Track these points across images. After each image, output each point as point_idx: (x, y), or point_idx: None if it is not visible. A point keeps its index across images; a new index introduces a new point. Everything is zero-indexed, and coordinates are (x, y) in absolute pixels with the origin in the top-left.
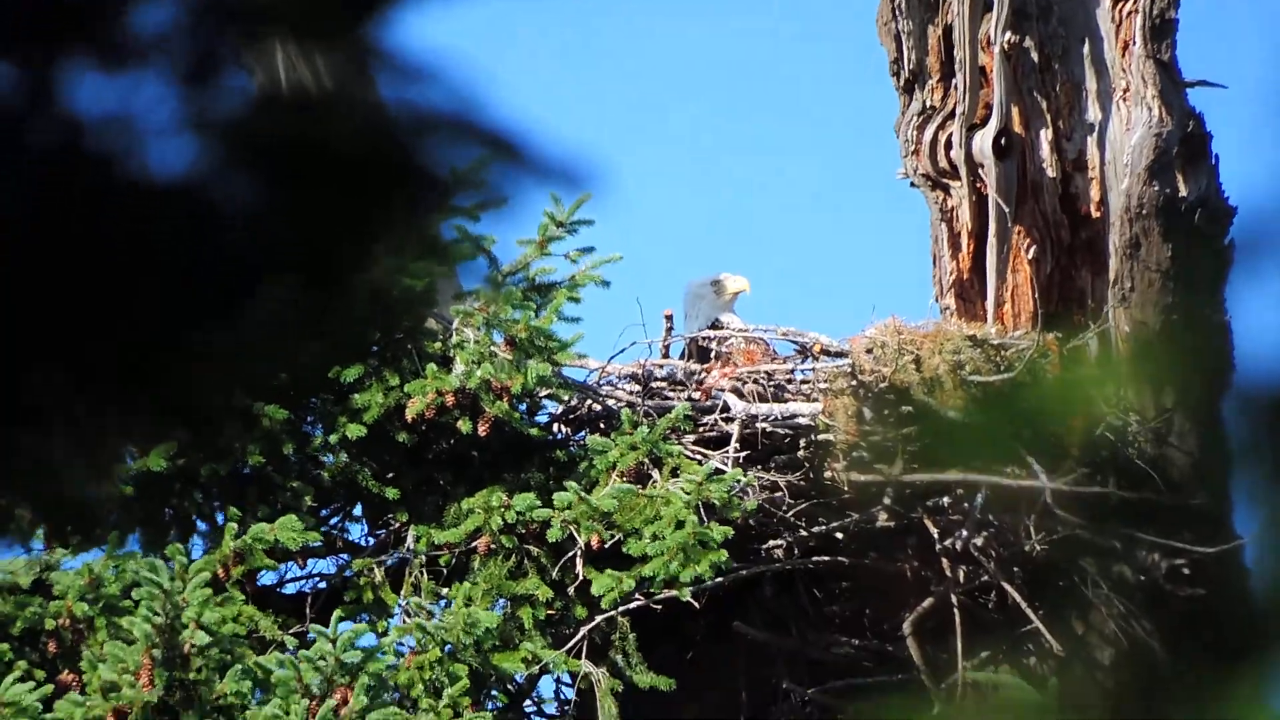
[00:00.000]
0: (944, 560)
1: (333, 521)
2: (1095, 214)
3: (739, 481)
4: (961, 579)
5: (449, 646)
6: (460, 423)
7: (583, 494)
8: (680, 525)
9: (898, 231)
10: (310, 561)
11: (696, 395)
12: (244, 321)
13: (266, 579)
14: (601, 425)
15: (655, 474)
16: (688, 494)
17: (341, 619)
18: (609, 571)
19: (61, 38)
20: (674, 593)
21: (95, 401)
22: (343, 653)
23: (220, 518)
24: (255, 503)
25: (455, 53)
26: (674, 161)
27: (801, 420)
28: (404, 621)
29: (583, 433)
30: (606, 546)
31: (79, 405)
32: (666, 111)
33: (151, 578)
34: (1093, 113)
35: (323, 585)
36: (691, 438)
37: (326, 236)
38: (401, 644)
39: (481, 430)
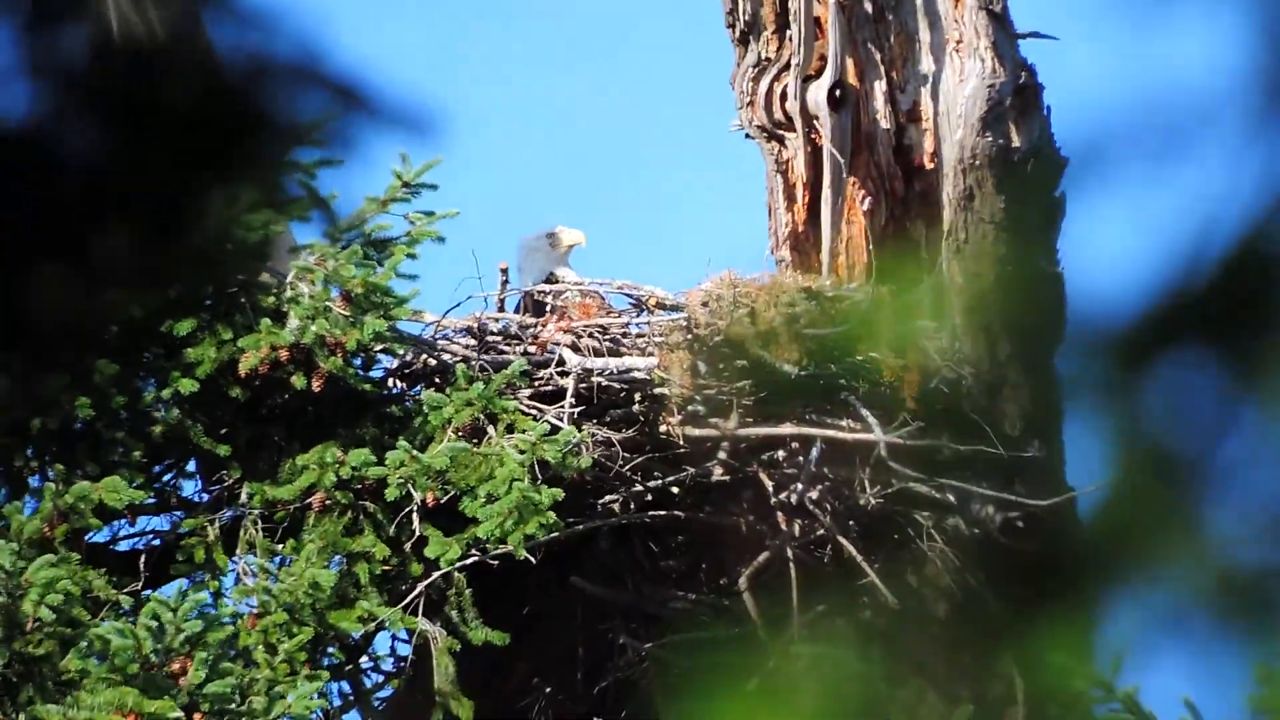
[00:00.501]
0: (779, 514)
1: (166, 478)
2: (929, 165)
3: (573, 439)
4: (797, 533)
5: (287, 605)
6: (294, 378)
7: (415, 452)
8: (512, 486)
9: (733, 184)
10: (142, 519)
11: (532, 349)
12: (80, 269)
13: (98, 536)
14: (437, 380)
15: (491, 430)
16: (522, 453)
17: (178, 577)
18: (439, 538)
19: None
20: (509, 548)
21: None
22: (183, 622)
23: (50, 474)
24: (85, 459)
25: (297, 1)
26: (511, 113)
27: (637, 374)
28: (241, 581)
29: (418, 388)
30: (442, 503)
31: None
32: (504, 63)
33: None
34: (926, 64)
35: (156, 542)
36: (527, 392)
37: (164, 185)
38: (241, 605)
39: (316, 385)
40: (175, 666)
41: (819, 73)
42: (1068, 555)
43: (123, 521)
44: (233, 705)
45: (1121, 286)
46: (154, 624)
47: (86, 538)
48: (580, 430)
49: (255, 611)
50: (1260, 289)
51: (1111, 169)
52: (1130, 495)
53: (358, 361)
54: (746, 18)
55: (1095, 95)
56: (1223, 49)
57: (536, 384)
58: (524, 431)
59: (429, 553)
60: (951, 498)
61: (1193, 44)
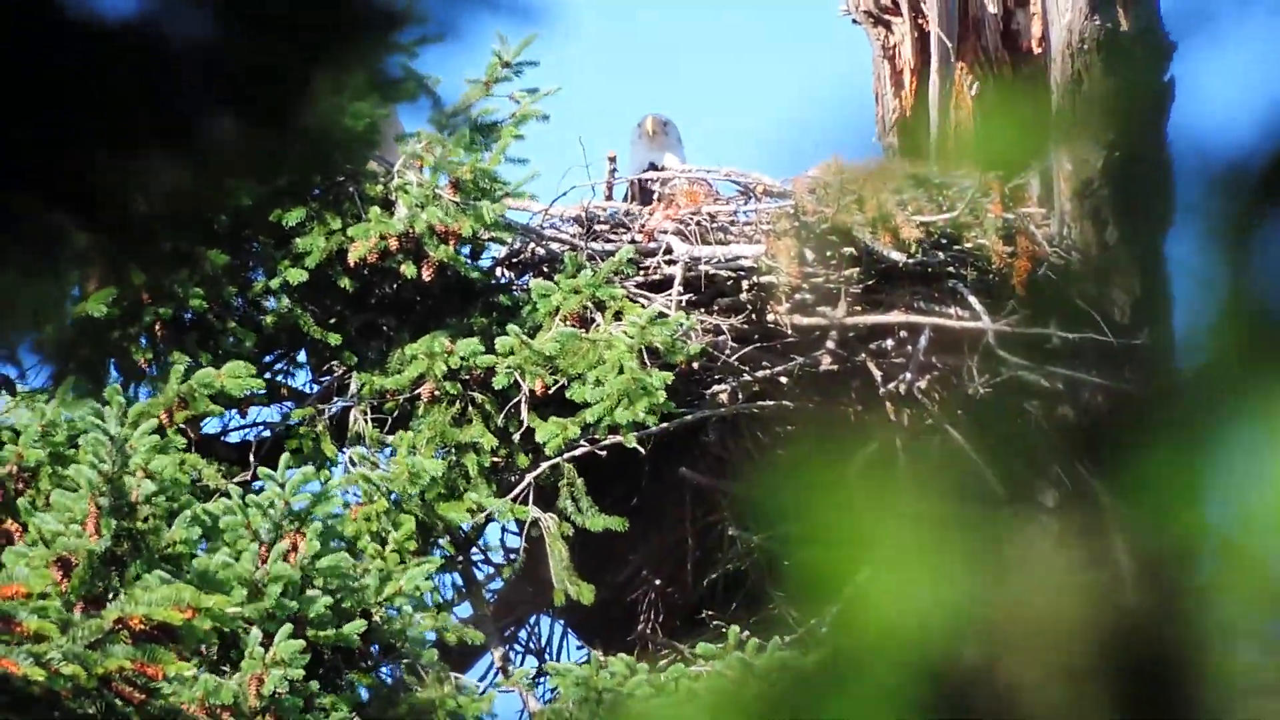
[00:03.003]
0: (888, 403)
1: (276, 368)
2: (1037, 50)
3: (683, 324)
4: (906, 422)
5: (394, 496)
6: (404, 267)
7: (525, 338)
8: (621, 370)
9: (841, 69)
10: (253, 410)
11: (639, 237)
12: (189, 158)
13: (209, 427)
14: (545, 269)
15: (598, 318)
16: (631, 338)
17: (288, 467)
18: (553, 419)
19: None
20: (618, 438)
21: (46, 229)
22: (291, 497)
23: (167, 362)
24: (196, 348)
25: None
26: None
27: (744, 262)
28: (349, 471)
29: (526, 276)
30: (550, 392)
31: (30, 231)
32: None
33: (98, 424)
34: None
35: (266, 433)
36: (634, 281)
37: (269, 73)
38: (346, 493)
39: (425, 274)
40: (286, 542)
41: None
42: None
43: (233, 412)
44: (348, 582)
45: (1235, 140)
46: (264, 505)
47: (200, 428)
48: (688, 318)
49: (359, 501)
50: None
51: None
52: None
53: (465, 250)
54: None
55: None
56: None
57: (644, 272)
58: (632, 318)
59: (539, 437)
60: (1060, 386)
61: None
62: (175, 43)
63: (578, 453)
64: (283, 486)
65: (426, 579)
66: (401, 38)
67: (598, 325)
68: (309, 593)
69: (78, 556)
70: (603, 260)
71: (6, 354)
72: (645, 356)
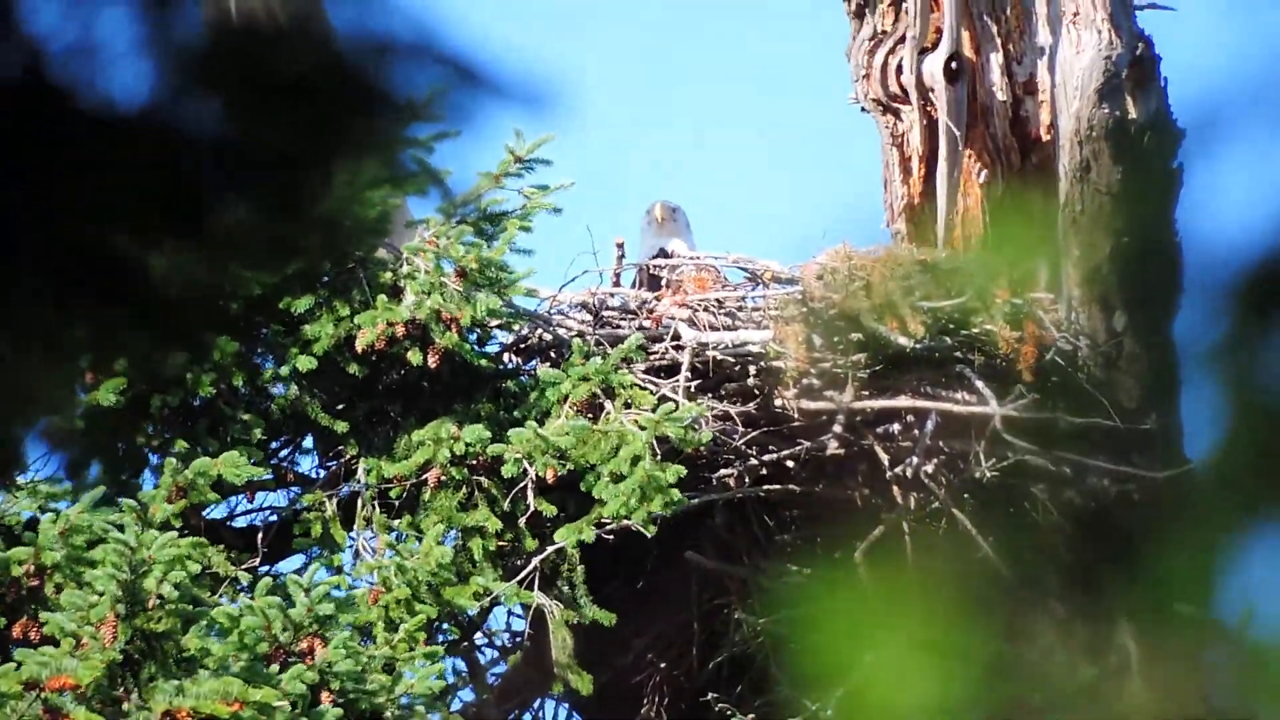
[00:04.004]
0: (895, 487)
1: (282, 454)
2: (1045, 137)
3: (694, 415)
4: (912, 505)
5: (411, 584)
6: (410, 354)
7: (538, 429)
8: (636, 464)
9: (850, 157)
10: (260, 495)
11: (648, 323)
12: (203, 246)
13: (216, 512)
14: (552, 355)
15: (608, 405)
16: (644, 429)
17: (296, 553)
18: (568, 526)
19: None
20: (628, 522)
21: (59, 317)
22: (316, 603)
23: (171, 451)
24: (205, 435)
25: None
26: (631, 89)
27: (752, 347)
28: (361, 558)
29: (533, 362)
30: (559, 477)
31: (43, 321)
32: (620, 39)
33: (117, 535)
34: (1043, 36)
35: (274, 518)
36: (643, 367)
37: (284, 162)
38: (359, 581)
39: (432, 361)
40: (304, 645)
41: (935, 45)
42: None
43: (240, 498)
44: (362, 685)
45: (1241, 245)
46: (281, 602)
47: (204, 514)
48: (696, 404)
49: (377, 588)
50: None
51: (1232, 130)
52: (1248, 446)
53: (472, 337)
54: None
55: (1213, 64)
56: None
57: (652, 358)
58: (642, 407)
59: (557, 538)
60: (1067, 470)
61: None
62: (189, 132)
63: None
64: (308, 592)
65: (439, 678)
66: (417, 131)
67: (608, 413)
68: (319, 707)
69: (94, 663)
70: (610, 346)
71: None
72: (656, 445)
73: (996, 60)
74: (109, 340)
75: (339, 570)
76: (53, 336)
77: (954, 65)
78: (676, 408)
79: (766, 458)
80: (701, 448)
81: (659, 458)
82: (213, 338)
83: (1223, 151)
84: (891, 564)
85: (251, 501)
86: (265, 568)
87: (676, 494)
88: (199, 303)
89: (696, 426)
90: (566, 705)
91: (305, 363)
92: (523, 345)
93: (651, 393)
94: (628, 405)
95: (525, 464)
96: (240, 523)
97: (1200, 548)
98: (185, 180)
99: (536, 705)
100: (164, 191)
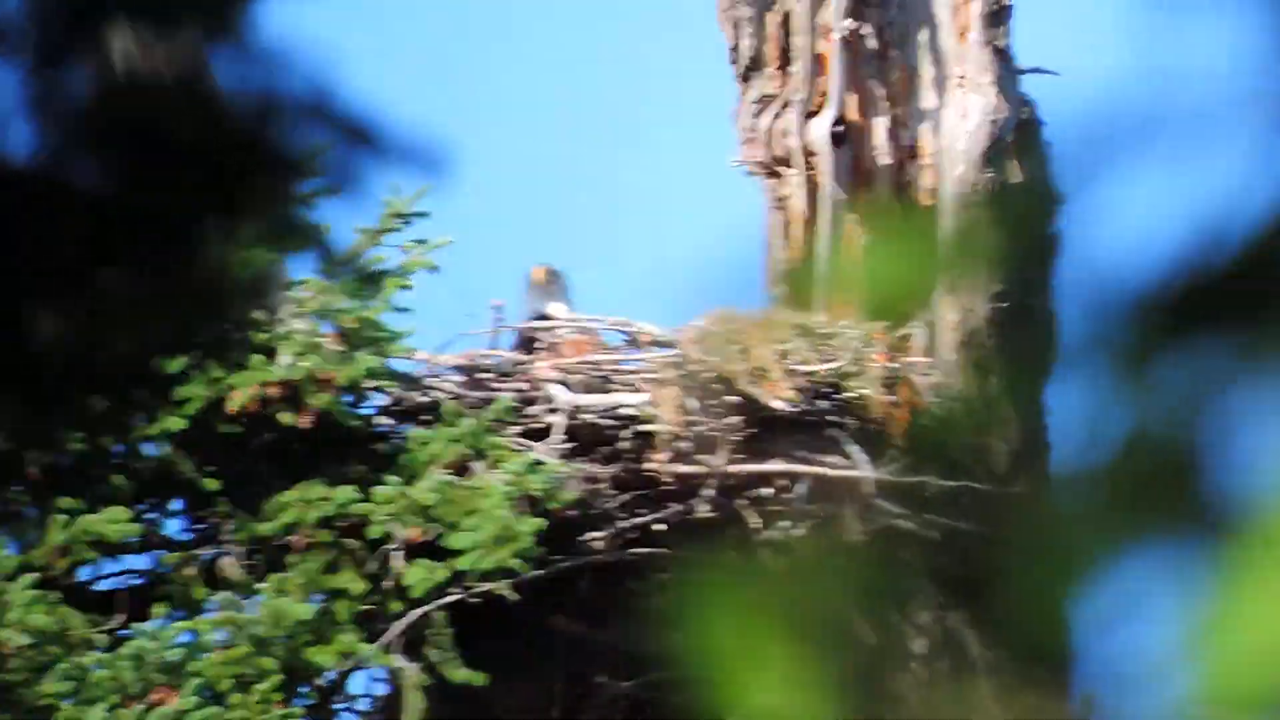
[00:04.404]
0: (765, 551)
1: (149, 516)
2: (929, 201)
3: (559, 473)
4: (782, 570)
5: (257, 640)
6: (283, 415)
7: (403, 488)
8: (494, 517)
9: (732, 220)
10: (125, 557)
11: (523, 386)
12: (84, 306)
13: (81, 574)
14: (427, 417)
15: (477, 466)
16: (507, 485)
17: (161, 616)
18: (422, 562)
19: None
20: (490, 585)
21: None
22: (164, 650)
23: (35, 510)
24: (73, 495)
25: (303, 35)
26: (513, 148)
27: (627, 411)
28: (220, 617)
29: (407, 425)
30: (424, 541)
31: None
32: (505, 96)
33: None
34: (929, 100)
35: (138, 581)
36: (516, 429)
37: (167, 222)
38: (215, 638)
39: (304, 422)
40: (155, 697)
41: (820, 109)
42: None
43: (104, 560)
44: None
45: (1134, 273)
46: (134, 657)
47: (74, 576)
48: (568, 466)
49: (230, 645)
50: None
51: (1125, 160)
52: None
53: (348, 398)
54: (749, 54)
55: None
56: (1240, 37)
57: (526, 421)
58: (509, 466)
59: (407, 580)
60: (938, 534)
61: (1206, 43)
62: (74, 191)
63: (447, 600)
64: (155, 639)
65: None
66: (297, 189)
67: (473, 474)
68: None
69: None
70: (484, 408)
71: None
72: (524, 504)
73: (882, 124)
74: None
75: (196, 632)
76: None
77: (839, 129)
78: (541, 465)
79: (636, 521)
80: (569, 510)
81: (520, 514)
82: (89, 398)
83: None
84: (761, 627)
85: (117, 563)
86: (123, 632)
87: (531, 543)
88: (75, 362)
89: (561, 484)
90: None
91: (177, 423)
92: (397, 407)
93: (522, 455)
94: (496, 466)
95: (391, 526)
96: (106, 585)
97: (1064, 596)
98: (68, 240)
99: None
100: (47, 251)
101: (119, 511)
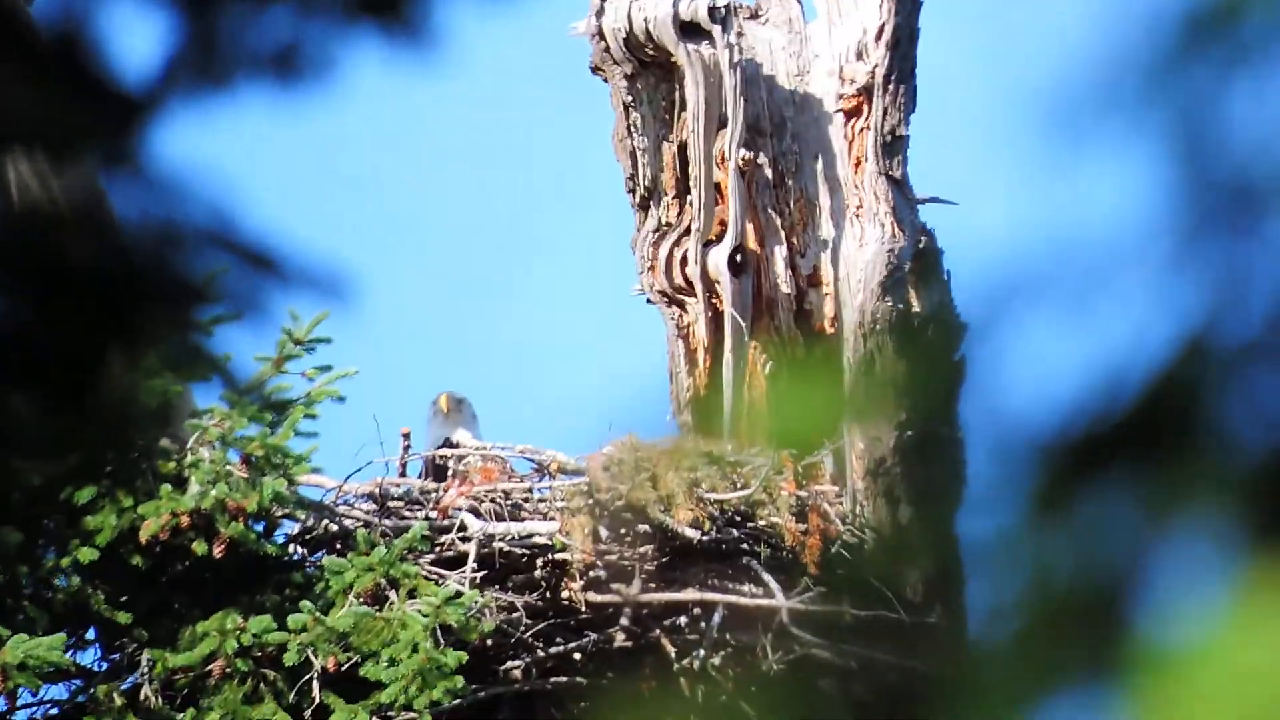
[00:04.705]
0: (682, 680)
1: (65, 645)
2: (830, 330)
3: (476, 603)
4: (700, 698)
5: None
6: (195, 544)
7: (318, 615)
8: (416, 649)
9: (636, 348)
10: (43, 687)
11: (434, 514)
12: None
13: None
14: (338, 545)
15: (393, 595)
16: (425, 616)
17: None
18: (343, 706)
19: None
20: (413, 715)
21: None
22: None
23: None
24: None
25: (204, 163)
26: (419, 278)
27: (539, 539)
28: None
29: (320, 553)
30: (343, 669)
31: None
32: (406, 222)
33: None
34: (827, 229)
35: (54, 711)
36: (429, 558)
37: (66, 351)
38: None
39: (217, 551)
40: None
41: (719, 238)
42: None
43: (23, 691)
44: None
45: (1037, 419)
46: None
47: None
48: (482, 595)
49: None
50: (1178, 420)
51: (1025, 310)
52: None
53: (259, 527)
54: (646, 183)
55: (999, 253)
56: (1135, 186)
57: (438, 549)
58: (426, 596)
59: (334, 714)
60: (854, 663)
61: (1102, 187)
62: None
63: None
64: None
65: None
66: (199, 315)
67: (391, 603)
68: None
69: None
70: (397, 537)
71: None
72: (439, 634)
73: (781, 253)
74: None
75: None
76: None
77: (738, 258)
78: (459, 595)
79: (553, 650)
80: (486, 639)
81: (441, 646)
82: None
83: (1013, 336)
84: None
85: (35, 694)
86: None
87: (460, 681)
88: None
89: (479, 615)
90: None
91: (87, 554)
92: (308, 536)
93: (437, 583)
94: (412, 595)
95: (309, 653)
96: (20, 717)
97: None
98: None
99: None
100: None
101: (55, 639)
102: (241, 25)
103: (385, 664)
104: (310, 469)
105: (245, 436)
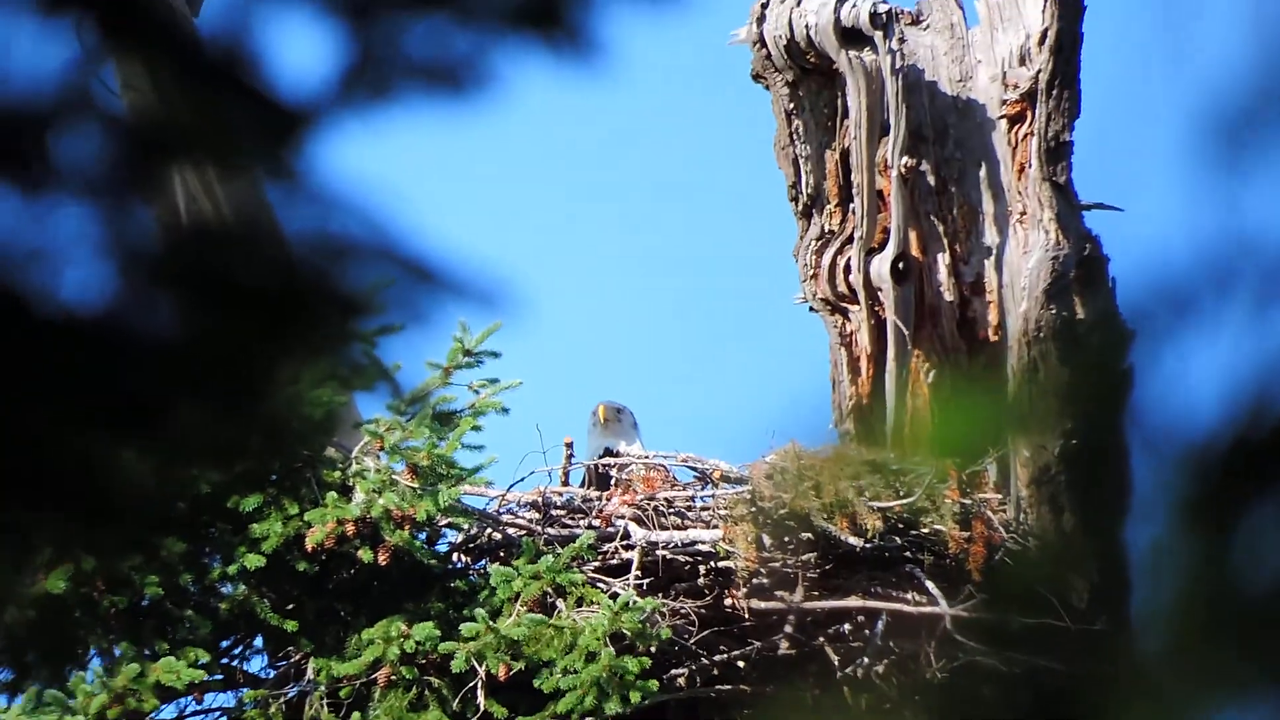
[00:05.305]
0: (846, 688)
1: (233, 653)
2: (994, 338)
3: (650, 610)
4: (864, 706)
5: None
6: (361, 552)
7: (491, 623)
8: (593, 658)
9: (798, 356)
10: (209, 695)
11: (596, 522)
12: (153, 448)
13: (167, 713)
14: (501, 554)
15: (560, 603)
16: (603, 624)
17: None
18: (506, 714)
19: None
20: None
21: (10, 518)
22: None
23: (117, 651)
24: (152, 636)
25: (368, 175)
26: (581, 287)
27: (702, 547)
28: None
29: (482, 562)
30: (511, 676)
31: None
32: (573, 234)
33: None
34: (990, 236)
35: (222, 719)
36: (592, 565)
37: (232, 362)
38: None
39: (382, 559)
40: None
41: (882, 245)
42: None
43: (189, 700)
44: None
45: (1202, 427)
46: None
47: (151, 717)
48: (655, 601)
49: None
50: None
51: (1191, 317)
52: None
53: (422, 535)
54: (809, 191)
55: (1165, 261)
56: None
57: (602, 557)
58: (593, 604)
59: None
60: (1018, 670)
61: (1271, 194)
62: (141, 334)
63: None
64: None
65: None
66: (363, 326)
67: (560, 611)
68: None
69: None
70: (560, 545)
71: None
72: (611, 643)
73: (943, 260)
74: (59, 542)
75: None
76: (3, 536)
77: (901, 265)
78: (631, 604)
79: (717, 657)
80: (653, 645)
81: (618, 656)
82: (160, 537)
83: (1183, 340)
84: None
85: (200, 703)
86: None
87: (654, 684)
88: (148, 504)
89: (653, 622)
90: None
91: (254, 561)
92: (472, 544)
93: (602, 591)
94: (579, 604)
95: (475, 662)
96: None
97: None
98: (136, 383)
99: None
100: (115, 394)
101: (172, 661)
102: (401, 36)
103: (560, 674)
104: (482, 481)
105: (412, 447)
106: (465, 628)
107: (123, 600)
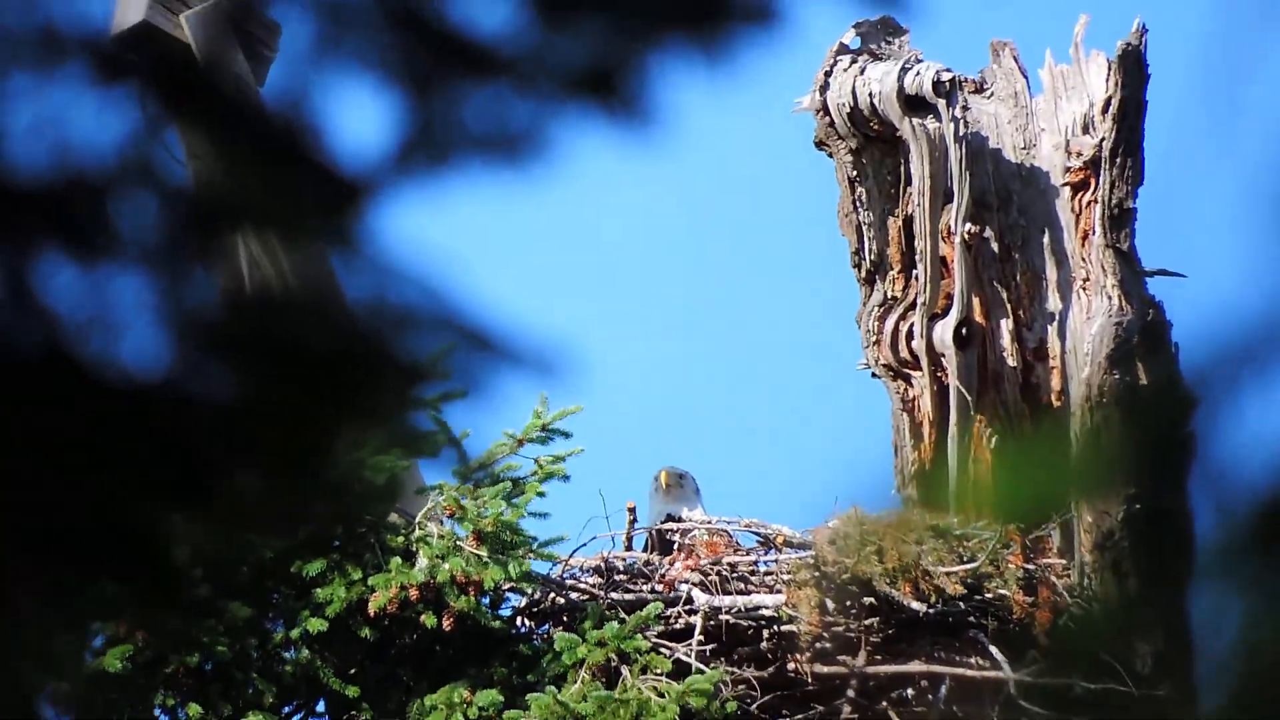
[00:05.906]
0: None
1: (295, 718)
2: (1056, 403)
3: (716, 681)
4: None
5: None
6: (424, 617)
7: (557, 695)
8: None
9: (860, 422)
10: None
11: (659, 587)
12: (216, 514)
13: None
14: (565, 619)
15: (624, 671)
16: (662, 696)
17: None
18: None
19: (36, 233)
20: None
21: (64, 587)
22: None
23: (183, 716)
24: (218, 700)
25: (428, 243)
26: (641, 354)
27: (765, 611)
28: None
29: (546, 626)
30: None
31: (47, 590)
32: (634, 300)
33: None
34: (1053, 302)
35: None
36: (655, 630)
37: (294, 429)
38: None
39: (446, 625)
40: None
41: (945, 311)
42: None
43: None
44: None
45: (1269, 490)
46: None
47: None
48: (714, 669)
49: None
50: None
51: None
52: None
53: (484, 600)
54: (872, 257)
55: (1228, 327)
56: None
57: (665, 622)
58: (658, 672)
59: None
60: None
61: None
62: (203, 400)
63: None
64: None
65: None
66: (425, 393)
67: (625, 680)
68: None
69: None
70: (624, 611)
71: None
72: (679, 715)
73: (1007, 326)
74: (121, 607)
75: None
76: (66, 604)
77: (964, 331)
78: (696, 674)
79: None
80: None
81: None
82: (225, 602)
83: (1242, 409)
84: None
85: None
86: None
87: None
88: (212, 569)
89: (719, 694)
90: None
91: (316, 625)
92: (535, 609)
93: (667, 657)
94: (645, 671)
95: None
96: None
97: None
98: (199, 449)
99: None
100: (178, 461)
101: (257, 718)
102: (461, 105)
103: None
104: (550, 555)
105: (478, 514)
106: (532, 698)
107: (192, 661)
